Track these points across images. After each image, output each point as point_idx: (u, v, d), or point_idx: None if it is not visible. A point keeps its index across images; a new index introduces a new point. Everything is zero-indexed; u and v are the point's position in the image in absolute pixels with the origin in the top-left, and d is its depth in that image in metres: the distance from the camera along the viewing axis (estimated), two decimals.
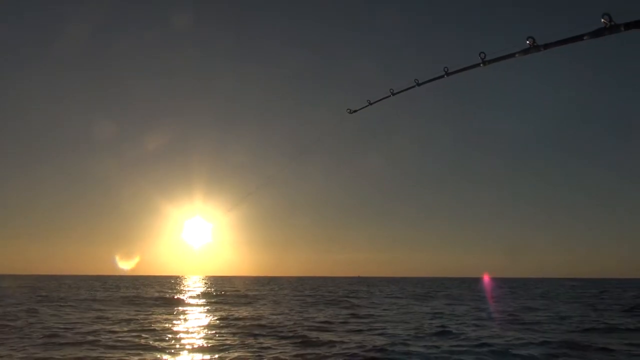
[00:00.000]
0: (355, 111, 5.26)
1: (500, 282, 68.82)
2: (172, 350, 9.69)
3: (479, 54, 3.17)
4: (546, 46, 2.45)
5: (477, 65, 3.29)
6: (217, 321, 15.12)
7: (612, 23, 1.98)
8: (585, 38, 2.14)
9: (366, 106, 5.07)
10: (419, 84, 4.12)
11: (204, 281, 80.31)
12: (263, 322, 14.48)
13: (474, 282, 69.88)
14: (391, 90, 4.60)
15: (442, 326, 13.28)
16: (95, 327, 12.89)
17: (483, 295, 31.43)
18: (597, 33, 2.07)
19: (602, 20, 2.02)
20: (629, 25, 1.90)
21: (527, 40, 2.50)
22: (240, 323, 14.15)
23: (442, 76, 3.81)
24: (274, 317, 16.24)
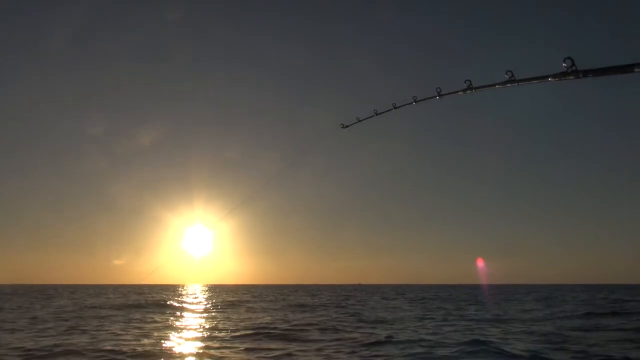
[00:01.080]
0: (347, 126, 5.80)
1: (504, 288, 68.44)
2: (153, 341, 10.60)
3: (436, 88, 3.46)
4: (520, 81, 2.43)
5: (434, 97, 3.59)
6: (205, 321, 15.73)
7: (574, 68, 1.94)
8: (550, 79, 2.11)
9: (355, 123, 5.61)
10: (395, 107, 4.66)
11: (202, 289, 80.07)
12: (251, 322, 15.05)
13: (477, 288, 69.81)
14: (375, 111, 5.15)
15: (429, 326, 13.63)
16: (91, 324, 13.59)
17: (480, 299, 31.46)
18: (561, 76, 2.03)
19: (564, 64, 1.98)
20: (586, 72, 1.86)
21: (506, 73, 2.50)
22: (228, 324, 14.64)
23: (411, 103, 4.39)
24: (263, 317, 16.88)
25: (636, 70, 1.64)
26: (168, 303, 26.84)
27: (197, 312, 19.42)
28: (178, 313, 18.97)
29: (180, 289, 79.34)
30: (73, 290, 63.11)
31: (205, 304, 26.12)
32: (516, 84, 2.34)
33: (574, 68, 1.91)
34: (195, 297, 35.88)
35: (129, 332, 11.88)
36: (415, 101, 4.17)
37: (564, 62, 1.96)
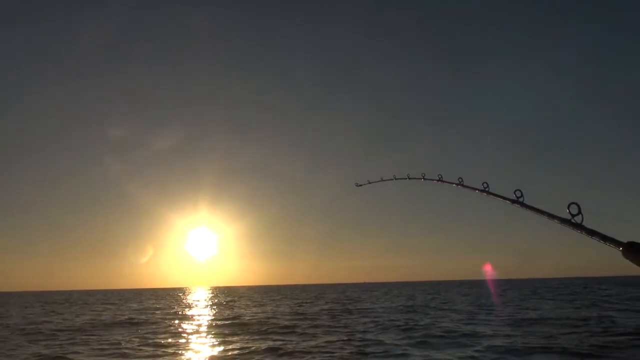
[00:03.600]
0: (360, 185, 6.62)
1: (516, 284, 68.15)
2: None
3: (458, 178, 3.37)
4: (491, 194, 2.72)
5: (447, 181, 3.48)
6: (202, 320, 17.26)
7: (521, 199, 2.24)
8: (508, 202, 2.37)
9: (366, 184, 6.45)
10: (395, 178, 5.39)
11: (208, 292, 79.41)
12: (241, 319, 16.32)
13: (479, 283, 69.70)
14: (381, 177, 6.16)
15: (407, 322, 14.11)
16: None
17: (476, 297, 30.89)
18: (513, 201, 2.31)
19: (514, 193, 2.26)
20: (529, 207, 2.12)
21: (483, 184, 2.80)
22: (221, 322, 15.77)
23: (420, 178, 4.79)
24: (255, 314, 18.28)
25: (556, 221, 1.80)
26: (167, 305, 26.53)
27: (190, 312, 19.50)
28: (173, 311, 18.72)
29: (184, 292, 77.40)
30: (79, 296, 62.25)
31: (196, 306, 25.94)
32: (487, 195, 2.69)
33: (521, 199, 2.22)
34: (193, 300, 35.56)
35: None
36: (407, 178, 5.02)
37: (515, 192, 2.24)
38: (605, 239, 1.48)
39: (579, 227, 1.64)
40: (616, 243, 1.41)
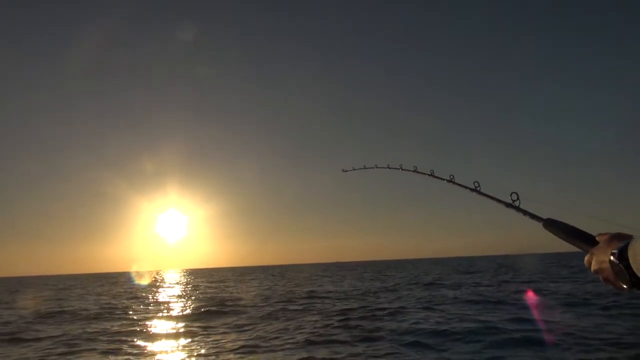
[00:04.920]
0: (346, 171, 6.46)
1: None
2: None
3: (449, 175, 3.49)
4: (456, 184, 2.90)
5: (411, 170, 3.62)
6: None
7: (479, 188, 2.50)
8: (474, 192, 2.56)
9: (351, 170, 6.27)
10: (377, 167, 5.03)
11: (178, 274, 78.98)
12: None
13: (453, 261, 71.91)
14: (364, 165, 5.67)
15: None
16: None
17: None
18: (472, 190, 2.55)
19: (474, 184, 2.52)
20: (481, 193, 2.42)
21: (450, 175, 3.00)
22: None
23: (397, 168, 4.48)
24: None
25: (502, 204, 2.15)
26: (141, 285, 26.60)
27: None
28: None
29: (155, 275, 76.16)
30: (55, 281, 60.70)
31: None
32: (453, 184, 2.95)
33: (479, 189, 2.53)
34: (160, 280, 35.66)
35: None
36: (380, 167, 4.75)
37: (474, 183, 2.54)
38: (532, 216, 1.92)
39: (517, 208, 2.08)
40: (538, 219, 1.84)
